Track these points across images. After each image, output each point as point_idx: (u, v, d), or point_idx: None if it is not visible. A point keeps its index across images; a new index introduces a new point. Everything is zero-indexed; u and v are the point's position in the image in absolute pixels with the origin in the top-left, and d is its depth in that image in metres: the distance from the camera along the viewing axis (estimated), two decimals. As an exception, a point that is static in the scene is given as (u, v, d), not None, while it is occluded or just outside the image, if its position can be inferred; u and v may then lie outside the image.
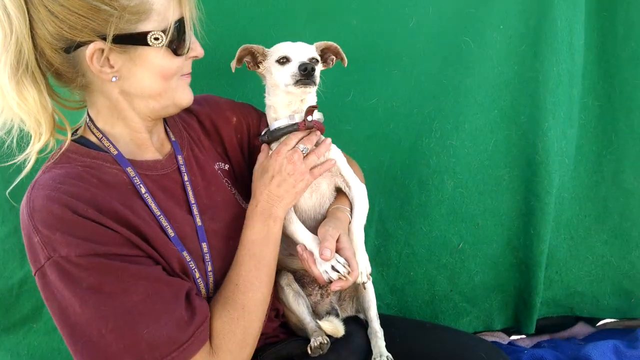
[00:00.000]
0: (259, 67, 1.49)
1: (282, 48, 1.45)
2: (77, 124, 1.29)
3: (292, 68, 1.39)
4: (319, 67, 1.47)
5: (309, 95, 1.49)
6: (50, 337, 1.92)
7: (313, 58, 1.45)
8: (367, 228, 1.50)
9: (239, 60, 1.48)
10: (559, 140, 2.09)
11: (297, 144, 1.43)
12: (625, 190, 2.28)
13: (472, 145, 2.08)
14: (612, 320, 2.50)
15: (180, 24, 1.17)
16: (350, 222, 1.45)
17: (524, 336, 2.46)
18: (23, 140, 1.18)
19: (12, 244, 1.85)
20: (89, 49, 1.09)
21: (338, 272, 1.28)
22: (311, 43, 1.51)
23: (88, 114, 1.26)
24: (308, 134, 1.46)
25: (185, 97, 1.30)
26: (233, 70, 1.46)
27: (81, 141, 1.23)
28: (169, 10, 1.14)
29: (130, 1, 1.08)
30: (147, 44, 1.13)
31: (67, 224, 1.04)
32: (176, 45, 1.18)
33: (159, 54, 1.16)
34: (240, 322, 1.22)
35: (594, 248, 2.34)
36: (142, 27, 1.12)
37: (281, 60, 1.43)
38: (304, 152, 1.41)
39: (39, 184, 1.11)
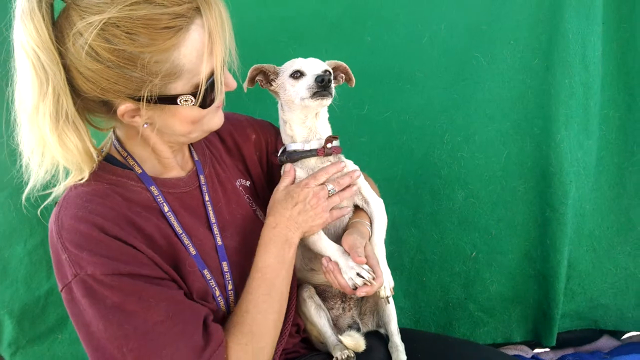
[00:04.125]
0: (271, 85, 1.52)
1: (295, 63, 1.46)
2: (104, 142, 1.32)
3: (308, 81, 1.40)
4: (332, 80, 1.48)
5: (323, 110, 1.51)
6: (75, 347, 1.98)
7: (326, 71, 1.46)
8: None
9: (251, 81, 1.51)
10: (574, 151, 2.09)
11: (326, 181, 1.45)
12: (648, 201, 2.23)
13: (484, 157, 2.12)
14: (638, 333, 2.43)
15: (211, 79, 1.14)
16: (371, 237, 1.47)
17: (547, 349, 2.42)
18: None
19: (39, 255, 1.91)
20: (120, 109, 1.11)
21: (363, 278, 1.30)
22: (329, 58, 1.54)
23: (115, 133, 1.29)
24: (339, 173, 1.48)
25: (215, 123, 1.30)
26: (245, 90, 1.50)
27: (107, 158, 1.26)
28: (201, 65, 1.10)
29: (161, 67, 1.06)
30: (176, 104, 1.13)
31: (94, 243, 1.07)
32: (206, 101, 1.16)
33: (189, 108, 1.16)
34: (248, 348, 1.21)
35: (617, 260, 2.30)
36: (173, 88, 1.11)
37: (295, 75, 1.44)
38: (331, 192, 1.43)
39: (67, 201, 1.13)
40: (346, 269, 1.34)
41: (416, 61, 2.06)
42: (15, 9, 1.01)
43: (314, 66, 1.45)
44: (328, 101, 1.43)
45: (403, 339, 1.57)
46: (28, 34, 1.00)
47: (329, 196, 1.43)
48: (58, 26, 1.05)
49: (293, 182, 1.48)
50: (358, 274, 1.31)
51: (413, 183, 2.16)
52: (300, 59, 1.48)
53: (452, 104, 2.09)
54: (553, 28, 2.02)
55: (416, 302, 2.25)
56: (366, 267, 1.32)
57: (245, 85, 1.50)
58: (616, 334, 2.43)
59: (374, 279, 1.31)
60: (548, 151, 2.09)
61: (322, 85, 1.38)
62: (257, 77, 1.53)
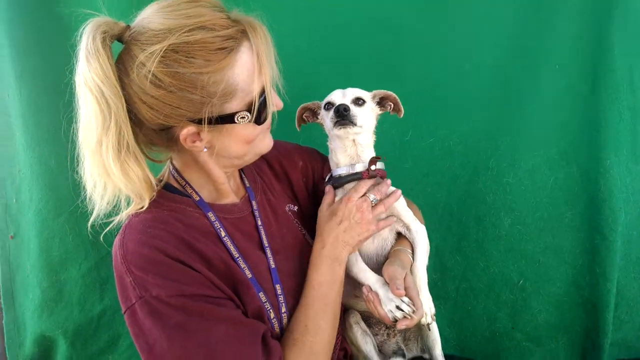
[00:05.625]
0: (317, 118, 1.60)
1: (330, 95, 1.53)
2: (162, 172, 1.39)
3: (331, 111, 1.46)
4: (366, 108, 1.50)
5: (361, 137, 1.51)
6: (125, 368, 2.04)
7: (359, 99, 1.49)
8: (425, 263, 1.55)
9: (300, 119, 1.60)
10: (623, 177, 2.05)
11: (367, 192, 1.47)
12: (699, 228, 2.16)
13: (530, 183, 2.09)
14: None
15: (263, 96, 1.21)
16: (412, 264, 1.47)
17: (595, 379, 2.36)
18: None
19: (93, 278, 1.98)
20: (183, 134, 1.18)
21: (403, 311, 1.31)
22: (373, 87, 1.57)
23: (172, 163, 1.36)
24: (378, 184, 1.50)
25: (265, 146, 1.37)
26: (299, 129, 1.58)
27: (166, 187, 1.33)
28: (253, 83, 1.18)
29: (218, 87, 1.13)
30: (234, 122, 1.19)
31: (158, 266, 1.12)
32: (260, 117, 1.23)
33: (244, 126, 1.23)
34: None
35: (666, 288, 2.22)
36: (229, 107, 1.18)
37: (327, 107, 1.50)
38: (373, 202, 1.46)
39: (131, 227, 1.20)
40: (386, 301, 1.34)
41: (460, 87, 2.07)
42: (80, 51, 1.08)
43: (342, 97, 1.50)
44: (354, 129, 1.46)
45: (447, 365, 1.55)
46: (93, 72, 1.06)
47: (372, 206, 1.45)
48: (120, 61, 1.14)
49: (333, 200, 1.51)
50: (398, 307, 1.31)
51: (457, 209, 2.15)
52: (337, 91, 1.54)
53: (496, 130, 2.08)
54: (600, 52, 2.00)
55: (461, 332, 2.22)
56: (406, 299, 1.32)
57: (296, 125, 1.59)
58: (667, 364, 2.34)
59: (413, 312, 1.31)
60: (597, 177, 2.05)
61: (338, 115, 1.43)
62: (304, 115, 1.61)
